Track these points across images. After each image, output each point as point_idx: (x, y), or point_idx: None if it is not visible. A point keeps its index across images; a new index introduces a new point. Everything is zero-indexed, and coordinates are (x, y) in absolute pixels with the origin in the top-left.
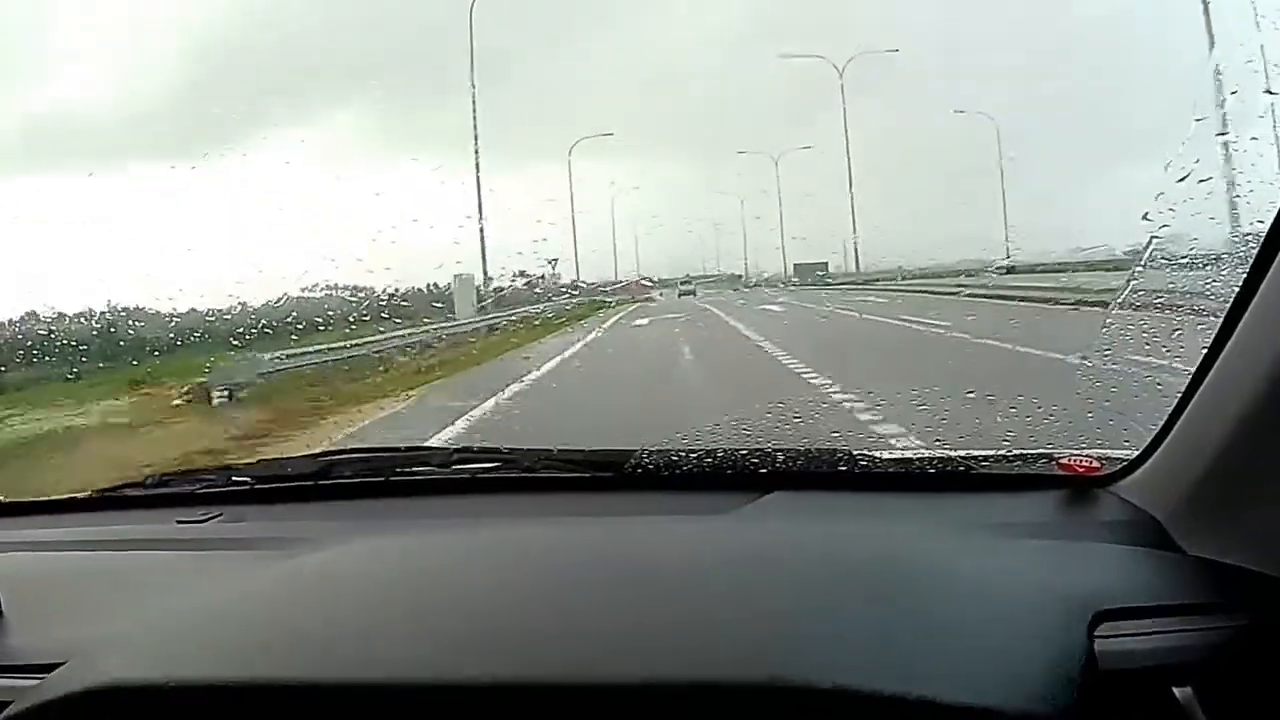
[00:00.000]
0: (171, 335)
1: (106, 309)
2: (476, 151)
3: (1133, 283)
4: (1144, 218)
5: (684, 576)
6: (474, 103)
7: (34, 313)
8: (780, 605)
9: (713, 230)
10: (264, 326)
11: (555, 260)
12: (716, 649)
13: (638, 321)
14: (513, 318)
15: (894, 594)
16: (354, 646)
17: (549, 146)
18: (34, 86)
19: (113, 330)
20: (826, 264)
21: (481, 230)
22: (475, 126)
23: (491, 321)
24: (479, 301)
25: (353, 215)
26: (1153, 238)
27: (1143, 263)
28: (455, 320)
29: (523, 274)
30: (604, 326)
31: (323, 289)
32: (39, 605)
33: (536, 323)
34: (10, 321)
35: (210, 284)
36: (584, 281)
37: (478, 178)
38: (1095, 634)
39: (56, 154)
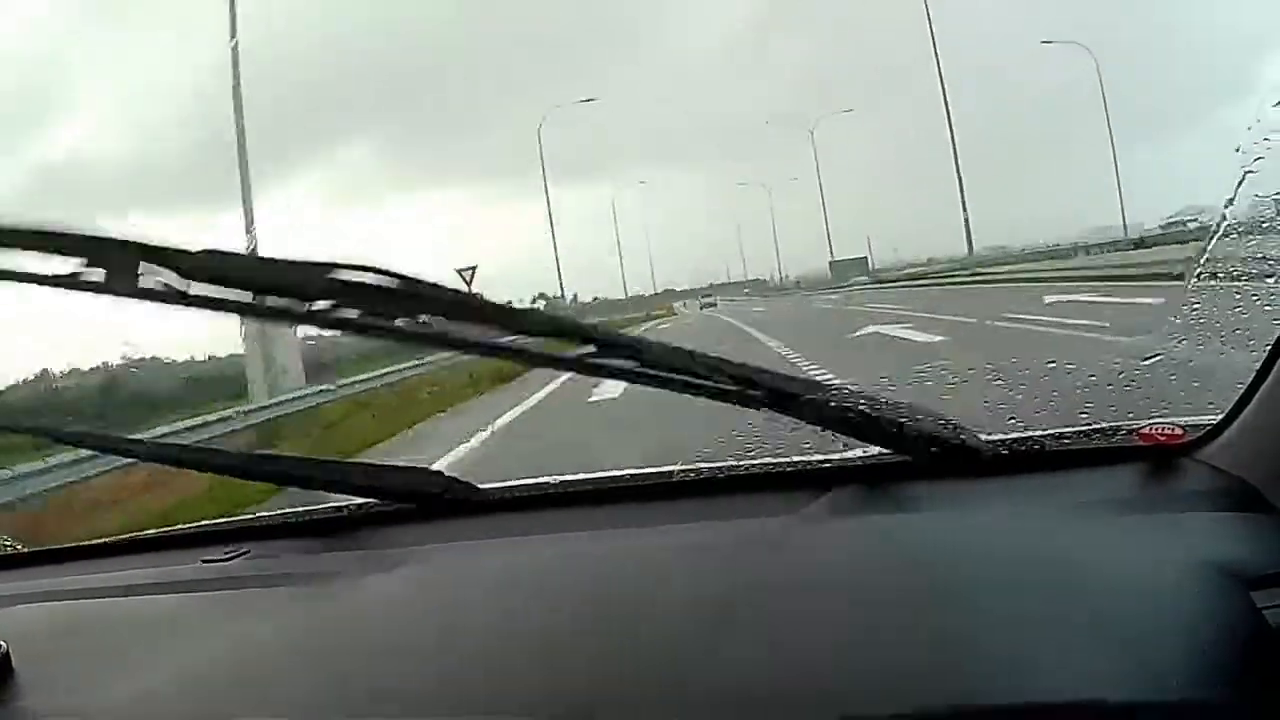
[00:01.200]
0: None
1: (123, 361)
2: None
3: (1223, 226)
4: (1236, 150)
5: (752, 589)
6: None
7: (46, 370)
8: (899, 615)
9: (734, 229)
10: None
11: (472, 270)
12: (838, 676)
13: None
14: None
15: (1019, 588)
16: (406, 689)
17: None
18: (45, 134)
19: (115, 383)
20: (865, 259)
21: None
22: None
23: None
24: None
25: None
26: (1246, 172)
27: (1234, 201)
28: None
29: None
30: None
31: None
32: (53, 659)
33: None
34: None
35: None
36: (565, 299)
37: (244, 193)
38: (1261, 603)
39: (65, 204)
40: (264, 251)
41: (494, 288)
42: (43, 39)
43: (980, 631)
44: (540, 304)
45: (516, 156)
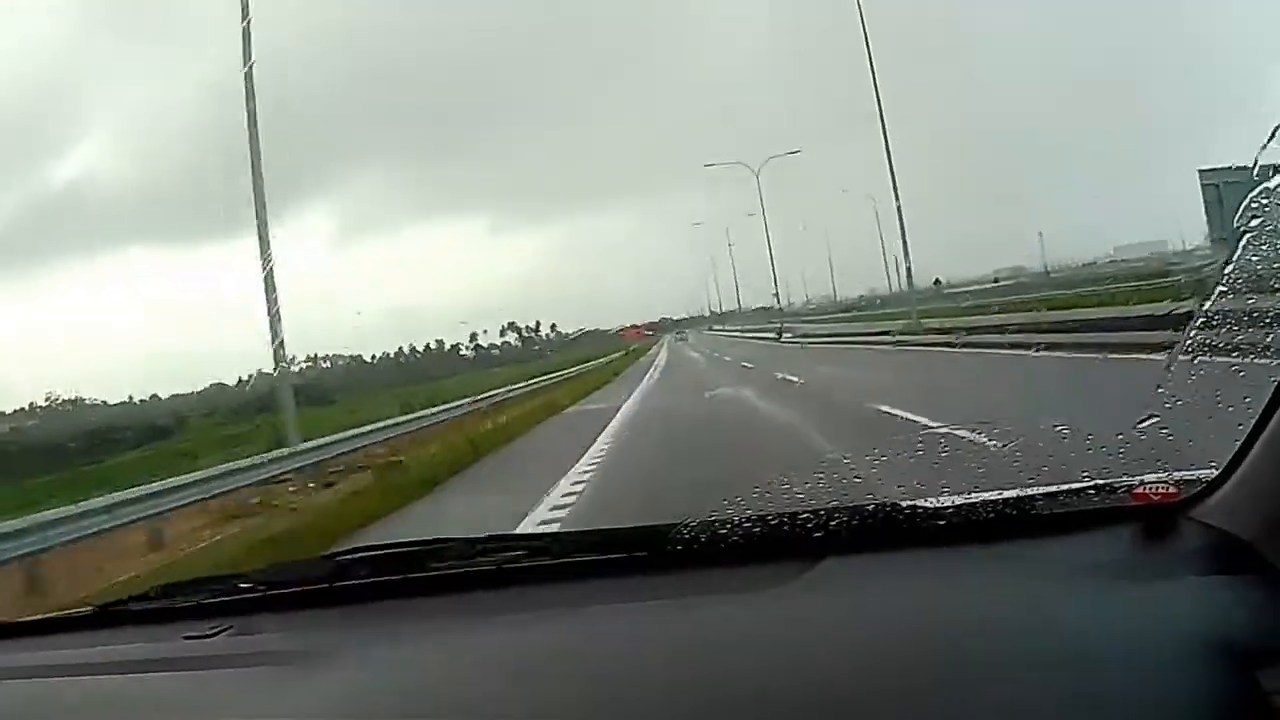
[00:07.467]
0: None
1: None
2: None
3: (1220, 284)
4: (1236, 211)
5: (745, 668)
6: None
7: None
8: (888, 697)
9: (716, 261)
10: None
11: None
12: None
13: None
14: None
15: (1015, 665)
16: None
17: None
18: (47, 162)
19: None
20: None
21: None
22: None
23: None
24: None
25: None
26: (1244, 232)
27: (1232, 259)
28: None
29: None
30: None
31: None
32: None
33: None
34: None
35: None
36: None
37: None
38: (1267, 686)
39: (67, 233)
40: (279, 280)
41: (488, 317)
42: (47, 65)
43: (974, 713)
44: (510, 336)
45: (521, 186)
